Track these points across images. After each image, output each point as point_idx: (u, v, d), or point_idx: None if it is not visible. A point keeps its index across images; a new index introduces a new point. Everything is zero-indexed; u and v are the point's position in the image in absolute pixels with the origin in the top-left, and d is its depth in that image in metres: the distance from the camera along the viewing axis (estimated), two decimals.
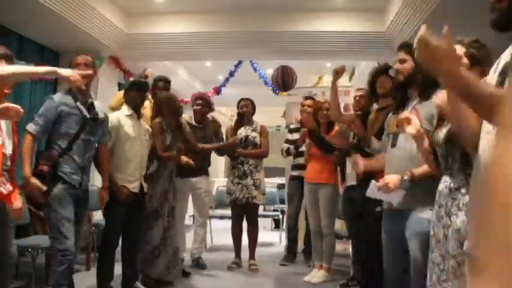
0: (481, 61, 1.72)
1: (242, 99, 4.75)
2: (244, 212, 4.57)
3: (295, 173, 4.84)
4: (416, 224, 2.20)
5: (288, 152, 4.78)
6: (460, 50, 1.85)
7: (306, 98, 4.91)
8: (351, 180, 3.71)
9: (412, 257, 2.19)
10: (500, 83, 1.17)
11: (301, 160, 4.66)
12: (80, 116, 2.91)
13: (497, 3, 1.11)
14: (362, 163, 2.71)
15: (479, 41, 1.79)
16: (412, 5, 4.82)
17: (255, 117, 4.76)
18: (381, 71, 3.11)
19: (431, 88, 2.21)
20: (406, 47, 2.37)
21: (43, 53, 5.67)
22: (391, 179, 2.31)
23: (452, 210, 1.73)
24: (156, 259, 3.61)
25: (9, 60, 2.54)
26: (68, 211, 2.79)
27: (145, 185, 3.50)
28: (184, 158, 4.04)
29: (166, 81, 4.35)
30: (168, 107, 3.81)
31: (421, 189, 2.20)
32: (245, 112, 4.65)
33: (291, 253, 4.90)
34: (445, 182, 1.82)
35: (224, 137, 4.71)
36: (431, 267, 1.83)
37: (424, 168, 2.20)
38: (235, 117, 4.82)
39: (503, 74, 1.16)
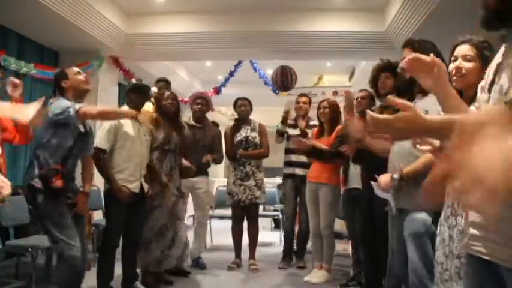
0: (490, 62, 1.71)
1: (239, 98, 4.67)
2: (245, 213, 4.56)
3: (287, 170, 4.69)
4: (411, 224, 2.21)
5: (279, 133, 4.67)
6: (469, 50, 1.83)
7: (301, 95, 4.84)
8: (355, 183, 3.68)
9: (409, 258, 2.20)
10: (492, 82, 1.17)
11: (292, 157, 4.60)
12: (74, 130, 2.80)
13: (486, 3, 1.11)
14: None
15: (488, 42, 1.75)
16: (412, 5, 4.82)
17: (254, 117, 4.74)
18: (382, 69, 3.06)
19: None
20: (411, 44, 2.34)
21: (43, 52, 5.67)
22: (383, 178, 2.31)
23: (458, 210, 1.73)
24: (147, 250, 3.64)
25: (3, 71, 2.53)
26: (68, 220, 2.74)
27: (145, 185, 3.50)
28: (184, 162, 4.05)
29: (166, 82, 4.35)
30: (157, 104, 3.85)
31: (419, 190, 2.19)
32: (244, 112, 4.61)
33: (288, 255, 4.74)
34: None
35: (223, 138, 4.70)
36: (436, 266, 1.83)
37: (415, 165, 2.19)
38: (235, 118, 4.76)
39: (496, 73, 1.16)
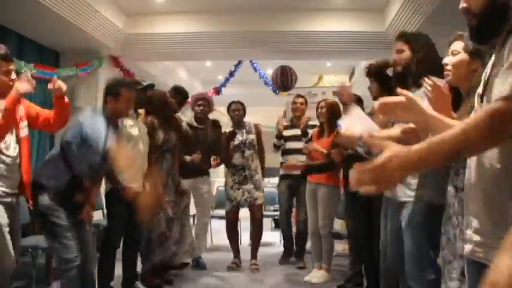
0: (482, 53, 1.71)
1: (233, 102, 4.65)
2: (238, 217, 4.61)
3: (283, 171, 4.77)
4: (408, 215, 2.21)
5: (275, 146, 4.76)
6: (458, 44, 1.85)
7: (298, 96, 4.94)
8: None
9: (406, 249, 2.20)
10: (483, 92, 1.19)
11: (289, 158, 4.63)
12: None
13: (469, 21, 1.16)
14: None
15: None
16: (412, 5, 4.81)
17: (254, 117, 4.75)
18: (369, 75, 3.14)
19: (421, 77, 2.19)
20: (404, 36, 2.36)
21: (43, 53, 5.66)
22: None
23: (459, 210, 1.73)
24: (160, 247, 3.69)
25: (8, 61, 2.52)
26: (66, 220, 2.72)
27: (147, 185, 3.49)
28: (187, 158, 4.06)
29: (183, 95, 4.32)
30: (155, 105, 3.84)
31: (417, 180, 2.19)
32: (237, 115, 4.58)
33: (287, 253, 4.85)
34: (452, 182, 1.82)
35: None
36: (443, 263, 1.84)
37: None
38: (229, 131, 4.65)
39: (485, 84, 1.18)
